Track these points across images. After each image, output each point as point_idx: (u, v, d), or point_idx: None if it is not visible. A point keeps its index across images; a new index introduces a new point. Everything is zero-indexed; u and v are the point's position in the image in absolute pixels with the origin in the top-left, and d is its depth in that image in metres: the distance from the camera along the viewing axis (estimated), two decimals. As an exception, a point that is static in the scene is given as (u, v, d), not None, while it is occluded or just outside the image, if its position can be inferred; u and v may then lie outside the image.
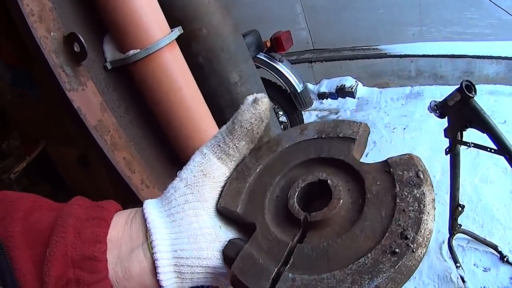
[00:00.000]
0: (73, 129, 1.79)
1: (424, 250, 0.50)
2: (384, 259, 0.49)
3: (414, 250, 0.48)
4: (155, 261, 0.59)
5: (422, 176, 0.54)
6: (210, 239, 0.61)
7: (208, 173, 0.65)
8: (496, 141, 2.25)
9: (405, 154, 0.58)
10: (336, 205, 0.56)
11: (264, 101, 0.64)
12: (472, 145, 2.43)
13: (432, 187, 0.54)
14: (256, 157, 0.68)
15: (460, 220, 2.96)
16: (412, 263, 0.48)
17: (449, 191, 2.82)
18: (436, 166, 4.05)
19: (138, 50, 1.67)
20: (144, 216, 0.63)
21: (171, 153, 2.04)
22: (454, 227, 2.97)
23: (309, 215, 0.57)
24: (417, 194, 0.53)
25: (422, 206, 0.51)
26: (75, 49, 1.56)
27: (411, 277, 0.49)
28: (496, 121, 2.24)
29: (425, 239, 0.50)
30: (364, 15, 5.58)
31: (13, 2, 1.44)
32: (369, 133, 0.67)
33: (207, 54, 2.16)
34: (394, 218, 0.52)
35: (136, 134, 1.92)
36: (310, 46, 6.39)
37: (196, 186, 0.64)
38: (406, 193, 0.53)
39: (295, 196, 0.59)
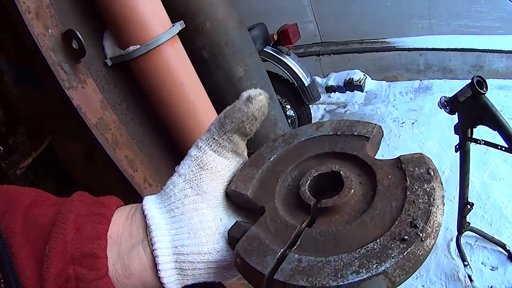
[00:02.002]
0: (77, 125, 1.77)
1: (433, 242, 0.50)
2: (393, 245, 0.49)
3: (423, 239, 0.49)
4: (156, 258, 0.60)
5: (432, 174, 0.56)
6: (210, 232, 0.61)
7: (205, 166, 0.65)
8: (507, 139, 2.21)
9: (416, 153, 0.60)
10: (347, 194, 0.57)
11: (258, 99, 0.63)
12: (483, 142, 2.39)
13: (442, 184, 0.56)
14: (271, 148, 0.71)
15: (468, 217, 2.93)
16: (420, 252, 0.48)
17: (457, 188, 2.79)
18: (445, 161, 4.02)
19: (139, 46, 1.65)
20: (143, 212, 0.63)
21: (174, 151, 2.02)
22: (462, 225, 2.94)
23: (320, 202, 0.58)
24: (428, 189, 0.54)
25: (432, 200, 0.52)
26: (74, 46, 1.54)
27: (419, 268, 0.49)
28: (505, 116, 2.21)
29: (434, 231, 0.50)
30: (372, 8, 5.54)
31: (10, -1, 1.42)
32: (383, 135, 0.70)
33: (212, 49, 2.14)
34: (404, 208, 0.53)
35: (138, 132, 1.90)
36: (318, 39, 6.36)
37: (195, 180, 0.64)
38: (416, 187, 0.54)
39: (307, 184, 0.61)
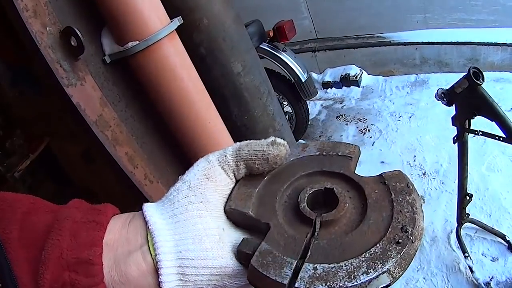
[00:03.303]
0: (75, 125, 1.77)
1: (419, 242, 0.59)
2: (391, 248, 0.57)
3: (413, 241, 0.58)
4: (158, 262, 0.59)
5: (411, 187, 0.65)
6: (214, 239, 0.61)
7: (211, 177, 0.66)
8: (505, 129, 2.22)
9: (395, 170, 0.69)
10: (343, 208, 0.64)
11: (280, 148, 0.68)
12: (480, 133, 2.40)
13: (419, 195, 0.65)
14: None
15: (468, 209, 2.93)
16: (412, 251, 0.57)
17: (456, 180, 2.80)
18: (443, 154, 4.03)
19: (137, 42, 1.65)
20: (144, 218, 0.63)
21: (174, 147, 2.02)
22: (462, 217, 2.95)
23: (320, 215, 0.64)
24: (410, 200, 0.63)
25: (415, 209, 0.62)
26: (72, 44, 1.54)
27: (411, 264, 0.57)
28: (502, 108, 2.21)
29: (420, 234, 0.59)
30: (368, 3, 5.55)
31: (7, -2, 1.42)
32: (360, 154, 0.77)
33: (209, 45, 2.14)
34: (393, 217, 0.61)
35: (138, 129, 1.90)
36: (314, 35, 6.37)
37: (199, 188, 0.65)
38: (400, 199, 0.63)
39: (305, 200, 0.66)
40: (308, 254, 0.59)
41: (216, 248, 0.61)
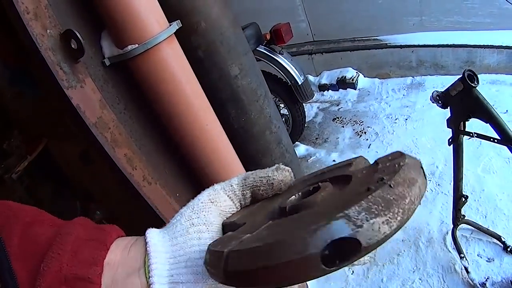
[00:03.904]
0: (74, 126, 1.78)
1: (407, 190, 0.47)
2: (358, 197, 0.46)
3: (392, 185, 0.47)
4: (151, 285, 0.59)
5: (406, 161, 0.53)
6: None
7: (215, 201, 0.66)
8: (499, 131, 2.24)
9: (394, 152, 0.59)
10: (321, 193, 0.57)
11: (283, 173, 0.67)
12: (475, 135, 2.42)
13: (417, 162, 0.55)
14: None
15: (463, 210, 2.95)
16: (391, 196, 0.46)
17: (452, 182, 2.82)
18: (439, 156, 4.05)
19: (137, 45, 1.66)
20: (145, 240, 0.63)
21: (172, 149, 2.03)
22: (457, 218, 2.97)
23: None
24: (398, 163, 0.52)
25: (401, 164, 0.51)
26: (72, 46, 1.55)
27: (401, 213, 0.46)
28: (498, 110, 2.23)
29: (407, 181, 0.49)
30: (364, 6, 5.57)
31: (8, 0, 1.43)
32: (366, 160, 0.68)
33: (207, 48, 2.16)
34: (374, 177, 0.52)
35: (137, 130, 1.91)
36: (310, 38, 6.39)
37: (203, 211, 0.64)
38: (387, 165, 0.54)
39: (288, 200, 0.62)
40: (263, 227, 0.53)
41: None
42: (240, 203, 0.69)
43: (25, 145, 2.89)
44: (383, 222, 0.44)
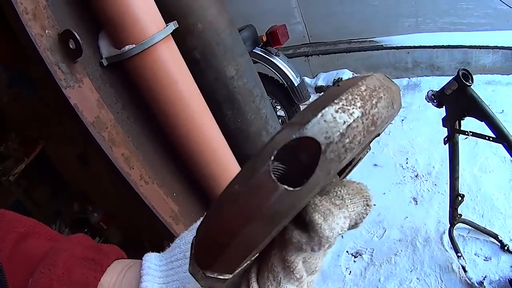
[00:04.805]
0: (72, 127, 1.79)
1: (360, 81, 0.41)
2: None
3: (340, 84, 0.41)
4: None
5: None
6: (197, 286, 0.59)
7: None
8: (494, 129, 2.25)
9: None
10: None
11: None
12: (471, 134, 2.43)
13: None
14: None
15: (460, 210, 2.96)
16: (340, 90, 0.40)
17: (448, 182, 2.82)
18: (435, 156, 4.05)
19: (134, 45, 1.67)
20: (142, 264, 0.61)
21: (169, 148, 2.04)
22: (454, 217, 2.98)
23: None
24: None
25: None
26: (71, 46, 1.56)
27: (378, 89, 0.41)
28: (494, 110, 2.24)
29: (359, 79, 0.42)
30: (360, 8, 5.57)
31: (7, 0, 1.44)
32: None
33: (203, 49, 2.16)
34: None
35: (134, 130, 1.92)
36: (306, 40, 6.39)
37: None
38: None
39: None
40: None
41: None
42: None
43: (23, 148, 2.90)
44: (336, 111, 0.38)
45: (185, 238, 0.62)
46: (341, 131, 0.37)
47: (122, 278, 0.61)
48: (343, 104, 0.38)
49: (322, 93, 0.42)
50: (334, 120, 0.37)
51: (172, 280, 0.58)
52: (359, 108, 0.38)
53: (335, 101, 0.38)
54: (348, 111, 0.38)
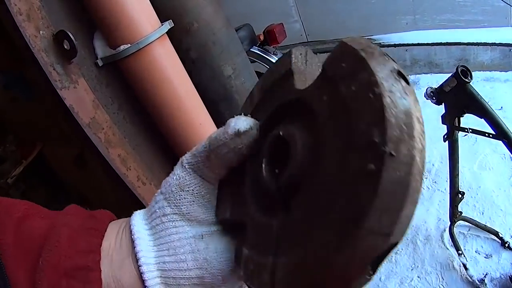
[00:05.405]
0: (68, 129, 1.78)
1: (413, 143, 0.36)
2: (360, 188, 0.35)
3: (392, 152, 0.34)
4: (142, 274, 0.58)
5: (363, 54, 0.39)
6: (189, 249, 0.59)
7: (185, 187, 0.60)
8: (493, 126, 2.25)
9: (338, 44, 0.44)
10: (295, 155, 0.45)
11: (248, 134, 0.53)
12: (470, 130, 2.43)
13: (385, 56, 0.39)
14: None
15: (460, 207, 2.96)
16: (399, 173, 0.34)
17: (448, 179, 2.82)
18: (435, 154, 4.05)
19: (129, 45, 1.66)
20: (130, 227, 0.62)
21: (166, 148, 2.03)
22: (454, 215, 2.97)
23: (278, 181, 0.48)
24: (364, 79, 0.38)
25: (376, 88, 0.36)
26: (65, 47, 1.55)
27: (417, 196, 0.36)
28: (493, 107, 2.25)
29: (404, 128, 0.36)
30: (357, 6, 5.58)
31: (0, 1, 1.43)
32: (306, 52, 0.53)
33: (199, 49, 2.15)
34: (352, 128, 0.37)
35: (130, 130, 1.91)
36: (304, 38, 6.39)
37: (174, 200, 0.60)
38: (353, 87, 0.38)
39: (263, 166, 0.50)
40: (279, 245, 0.45)
41: (191, 259, 0.58)
42: (214, 176, 0.60)
43: (20, 150, 2.89)
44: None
45: (159, 203, 0.62)
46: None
47: (120, 240, 0.62)
48: (374, 229, 0.36)
49: None
50: (370, 247, 0.36)
51: (160, 242, 0.59)
52: (397, 220, 0.36)
53: (366, 226, 0.35)
54: (383, 232, 0.36)
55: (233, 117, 0.56)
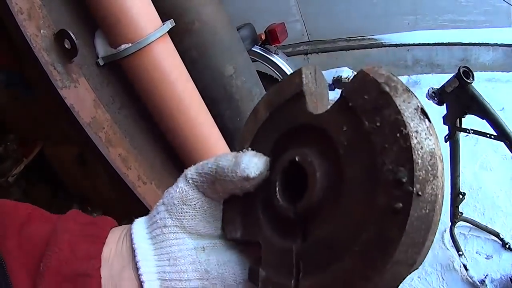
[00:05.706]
0: (69, 128, 1.78)
1: (437, 182, 0.38)
2: (388, 223, 0.38)
3: (419, 192, 0.37)
4: (142, 283, 0.58)
5: (387, 89, 0.40)
6: (190, 260, 0.59)
7: (188, 201, 0.60)
8: (495, 127, 2.25)
9: (357, 73, 0.44)
10: (314, 182, 0.46)
11: (258, 178, 0.53)
12: (472, 131, 2.42)
13: (409, 92, 0.41)
14: None
15: (461, 208, 2.95)
16: (424, 211, 0.37)
17: (449, 179, 2.81)
18: (436, 154, 4.04)
19: (130, 44, 1.65)
20: (131, 236, 0.62)
21: (167, 148, 2.02)
22: (455, 215, 2.97)
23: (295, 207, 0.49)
24: (390, 117, 0.39)
25: (403, 128, 0.38)
26: (66, 46, 1.54)
27: (437, 225, 0.39)
28: (495, 108, 2.24)
29: (429, 168, 0.38)
30: (359, 5, 5.57)
31: (1, 0, 1.42)
32: (315, 71, 0.54)
33: (200, 48, 2.15)
34: (377, 164, 0.39)
35: (131, 130, 1.91)
36: (305, 38, 6.38)
37: (175, 212, 0.60)
38: (377, 123, 0.40)
39: (277, 192, 0.51)
40: (301, 268, 0.46)
41: (191, 270, 0.59)
42: (220, 198, 0.61)
43: (22, 149, 2.89)
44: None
45: (161, 213, 0.62)
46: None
47: (121, 248, 0.62)
48: (400, 261, 0.39)
49: None
50: (393, 277, 0.39)
51: (162, 253, 0.60)
52: (420, 253, 0.40)
53: (394, 259, 0.38)
54: (407, 263, 0.39)
55: (243, 150, 0.56)
